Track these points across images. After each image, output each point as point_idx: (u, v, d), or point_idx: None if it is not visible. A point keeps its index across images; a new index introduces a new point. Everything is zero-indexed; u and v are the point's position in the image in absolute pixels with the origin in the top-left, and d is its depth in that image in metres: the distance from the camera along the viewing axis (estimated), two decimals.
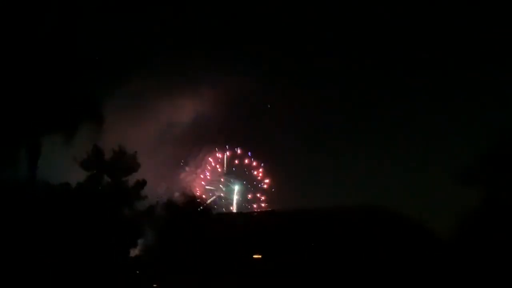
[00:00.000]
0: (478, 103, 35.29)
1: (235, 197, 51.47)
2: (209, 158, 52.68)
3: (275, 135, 46.29)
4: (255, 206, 51.18)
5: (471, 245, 27.30)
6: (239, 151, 52.42)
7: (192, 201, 40.68)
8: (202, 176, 52.35)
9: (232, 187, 52.22)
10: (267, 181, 52.35)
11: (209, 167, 53.30)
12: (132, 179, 35.87)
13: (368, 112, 41.91)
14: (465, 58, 36.73)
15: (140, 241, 35.53)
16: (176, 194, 40.11)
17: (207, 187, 52.34)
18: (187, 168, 51.38)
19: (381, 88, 40.80)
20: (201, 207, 40.96)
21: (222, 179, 52.91)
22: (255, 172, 52.25)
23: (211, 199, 50.23)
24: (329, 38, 41.34)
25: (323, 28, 41.25)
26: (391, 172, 37.19)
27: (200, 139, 51.06)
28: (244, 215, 42.84)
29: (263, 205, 51.33)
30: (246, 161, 53.32)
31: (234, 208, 51.02)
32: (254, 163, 52.32)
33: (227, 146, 53.12)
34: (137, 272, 34.73)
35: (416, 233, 31.08)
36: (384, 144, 39.42)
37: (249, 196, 51.14)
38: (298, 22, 42.02)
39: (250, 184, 51.97)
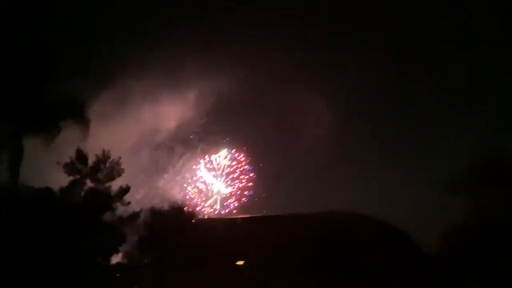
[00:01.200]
0: (468, 114, 36.41)
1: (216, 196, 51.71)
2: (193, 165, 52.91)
3: (263, 140, 47.00)
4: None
5: (457, 256, 28.03)
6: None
7: (174, 208, 40.70)
8: (181, 183, 52.47)
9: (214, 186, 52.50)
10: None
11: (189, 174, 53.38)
12: (115, 184, 35.87)
13: (357, 121, 42.87)
14: (455, 67, 37.87)
15: (122, 247, 35.31)
16: (156, 201, 39.98)
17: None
18: (165, 175, 51.18)
19: (372, 98, 41.76)
20: (183, 214, 40.92)
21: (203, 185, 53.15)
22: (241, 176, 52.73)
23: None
24: (325, 37, 41.93)
25: (321, 26, 41.76)
26: (379, 180, 37.87)
27: (180, 146, 51.04)
28: (228, 221, 42.97)
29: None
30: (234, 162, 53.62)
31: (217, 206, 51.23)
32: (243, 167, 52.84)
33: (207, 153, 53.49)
34: (118, 275, 34.43)
35: (401, 242, 31.85)
36: (374, 151, 40.25)
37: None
38: (292, 20, 42.60)
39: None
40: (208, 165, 54.28)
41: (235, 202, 53.33)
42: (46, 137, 32.58)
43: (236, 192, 53.69)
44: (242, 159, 54.28)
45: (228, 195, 53.29)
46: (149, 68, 41.62)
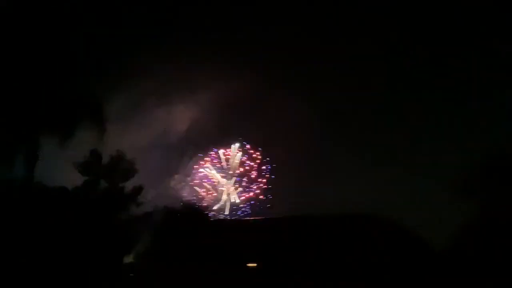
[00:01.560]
0: (477, 116, 36.29)
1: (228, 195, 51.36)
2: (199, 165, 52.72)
3: (271, 140, 47.02)
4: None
5: (466, 256, 28.21)
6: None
7: (185, 209, 41.00)
8: (192, 184, 52.50)
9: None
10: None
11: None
12: (128, 184, 36.22)
13: (366, 120, 42.74)
14: (463, 67, 37.75)
15: (135, 247, 35.53)
16: (168, 202, 40.19)
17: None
18: (176, 176, 51.16)
19: (379, 97, 41.65)
20: (195, 215, 41.15)
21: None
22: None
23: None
24: (327, 39, 41.78)
25: (321, 26, 41.62)
26: (389, 181, 37.74)
27: (191, 147, 51.14)
28: (239, 223, 43.24)
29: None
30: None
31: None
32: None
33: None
34: (131, 275, 34.59)
35: (411, 242, 31.90)
36: (383, 152, 40.11)
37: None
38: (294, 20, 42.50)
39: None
40: (217, 165, 53.87)
41: (247, 208, 52.60)
42: (62, 137, 33.05)
43: (248, 198, 52.98)
44: (258, 157, 53.24)
45: (239, 201, 52.66)
46: (162, 70, 41.72)
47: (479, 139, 32.40)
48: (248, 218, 48.20)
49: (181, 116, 46.16)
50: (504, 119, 33.96)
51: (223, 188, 53.03)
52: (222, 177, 53.58)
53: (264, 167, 52.35)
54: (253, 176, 52.46)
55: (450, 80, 38.72)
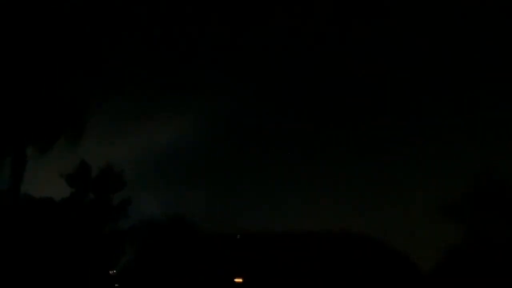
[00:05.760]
0: (463, 141, 36.58)
1: None
2: None
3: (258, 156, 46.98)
4: None
5: (451, 278, 28.26)
6: None
7: (173, 222, 40.71)
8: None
9: None
10: None
11: None
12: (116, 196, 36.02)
13: (354, 143, 42.87)
14: (451, 94, 38.14)
15: (121, 260, 35.40)
16: (155, 215, 40.02)
17: None
18: (165, 189, 50.90)
19: (368, 121, 41.85)
20: (183, 228, 40.91)
21: None
22: None
23: None
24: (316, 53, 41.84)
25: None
26: (376, 202, 37.85)
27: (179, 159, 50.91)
28: (227, 237, 42.96)
29: None
30: None
31: None
32: None
33: None
34: (116, 285, 34.45)
35: (397, 262, 31.83)
36: (371, 173, 40.24)
37: None
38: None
39: None
40: None
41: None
42: (50, 147, 32.77)
43: None
44: None
45: None
46: (149, 82, 41.66)
47: (467, 163, 32.74)
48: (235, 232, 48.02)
49: (167, 129, 46.11)
50: (493, 143, 34.25)
51: None
52: None
53: None
54: None
55: (436, 103, 39.21)
